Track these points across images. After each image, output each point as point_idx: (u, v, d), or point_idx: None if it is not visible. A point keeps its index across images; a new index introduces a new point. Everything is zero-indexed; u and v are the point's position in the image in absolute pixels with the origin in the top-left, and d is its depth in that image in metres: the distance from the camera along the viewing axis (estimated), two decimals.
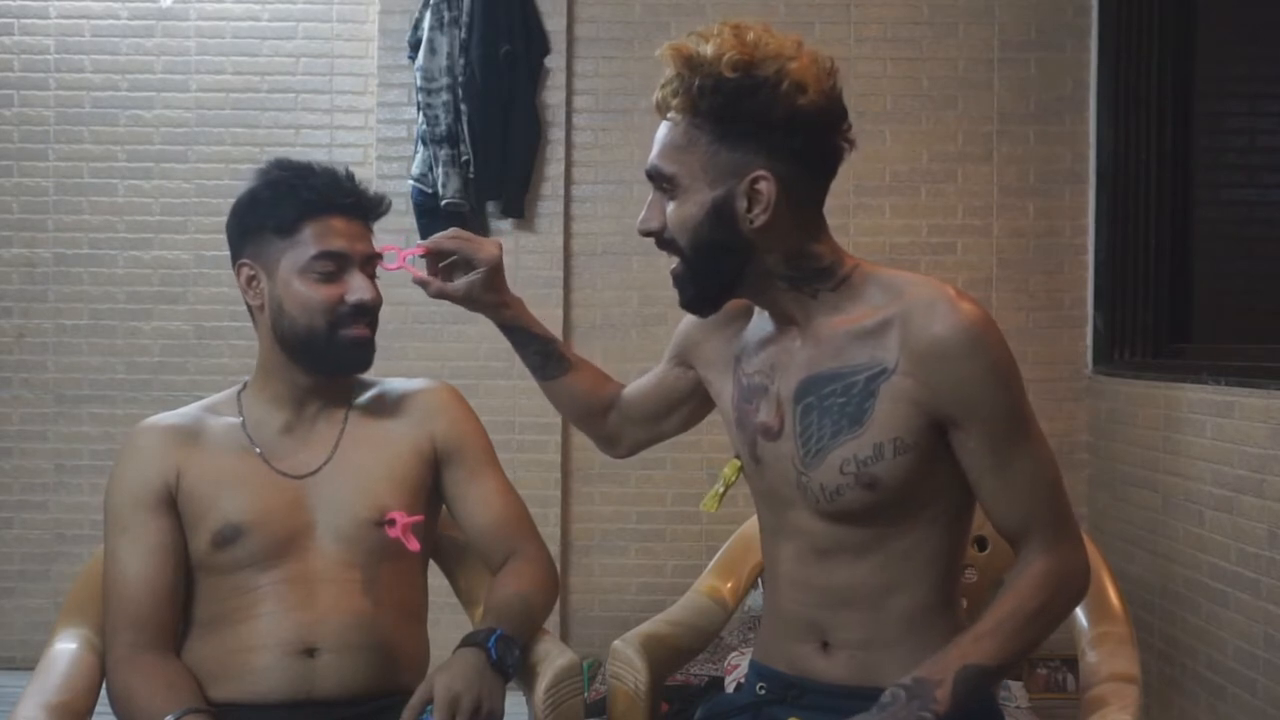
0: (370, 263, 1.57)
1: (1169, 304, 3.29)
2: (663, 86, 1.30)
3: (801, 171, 1.29)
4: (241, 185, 1.61)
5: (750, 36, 1.26)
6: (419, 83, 3.47)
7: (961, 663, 1.24)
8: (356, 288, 1.53)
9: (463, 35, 3.47)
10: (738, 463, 1.44)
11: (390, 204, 1.65)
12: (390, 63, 3.60)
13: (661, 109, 1.31)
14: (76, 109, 3.71)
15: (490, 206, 3.57)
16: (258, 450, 1.56)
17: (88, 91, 3.71)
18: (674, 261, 1.35)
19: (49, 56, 3.72)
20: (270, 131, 3.70)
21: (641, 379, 1.63)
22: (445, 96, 3.46)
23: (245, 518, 1.51)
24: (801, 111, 1.26)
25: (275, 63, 3.72)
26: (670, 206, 1.31)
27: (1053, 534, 1.30)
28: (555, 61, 3.60)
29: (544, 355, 1.62)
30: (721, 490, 1.46)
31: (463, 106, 3.46)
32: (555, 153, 3.60)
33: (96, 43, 3.72)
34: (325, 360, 1.56)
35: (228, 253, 1.59)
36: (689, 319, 1.51)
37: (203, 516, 1.52)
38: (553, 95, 3.60)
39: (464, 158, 3.46)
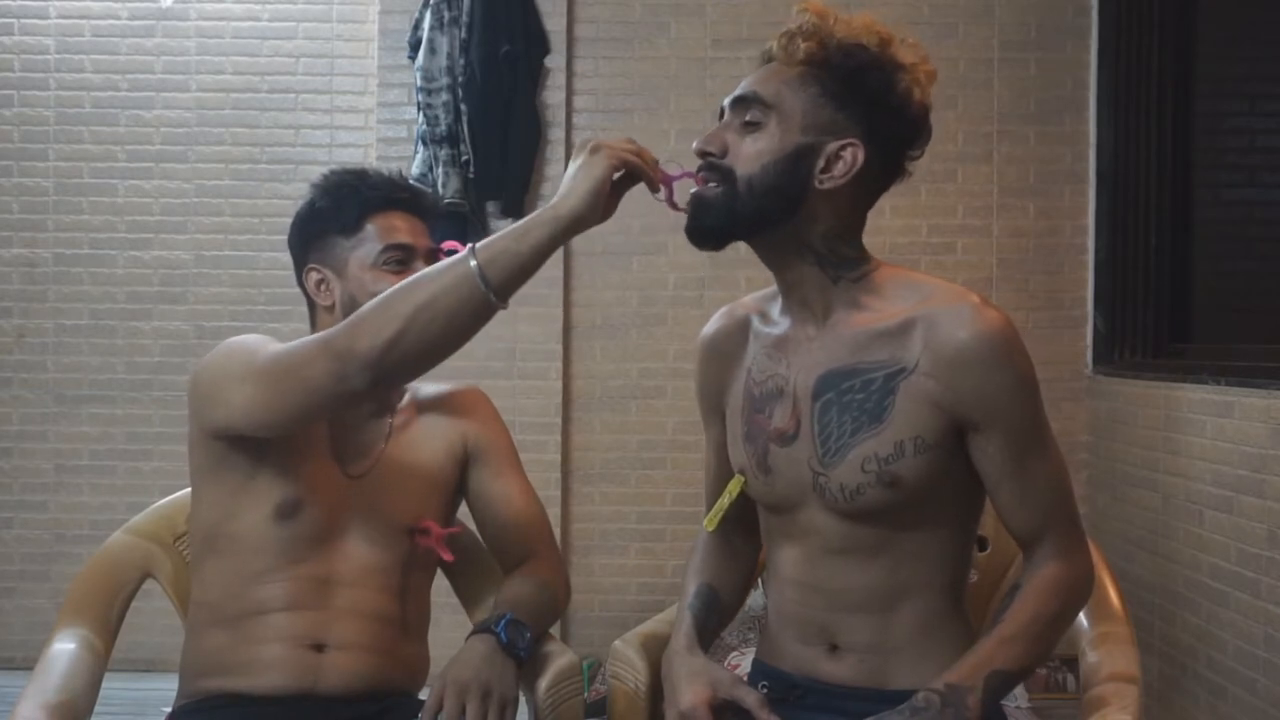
0: (433, 256, 1.57)
1: (1169, 304, 3.29)
2: (790, 32, 1.31)
3: (881, 162, 1.32)
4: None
5: (889, 31, 1.32)
6: (419, 83, 3.47)
7: (990, 668, 1.25)
8: None
9: (463, 35, 3.47)
10: (741, 479, 1.42)
11: (443, 204, 1.62)
12: (390, 63, 3.60)
13: (782, 50, 1.31)
14: (76, 109, 3.71)
15: (490, 206, 3.57)
16: (329, 440, 1.54)
17: (88, 91, 3.71)
18: (699, 186, 1.33)
19: (49, 56, 3.72)
20: (270, 131, 3.69)
21: (710, 467, 1.54)
22: (445, 96, 3.46)
23: (306, 496, 1.49)
24: (912, 108, 1.31)
25: (275, 63, 3.72)
26: (749, 138, 1.30)
27: (1066, 539, 1.32)
28: (555, 61, 3.60)
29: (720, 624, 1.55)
30: (727, 504, 1.45)
31: (463, 106, 3.46)
32: (555, 153, 3.60)
33: (96, 43, 3.72)
34: None
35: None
36: (697, 372, 1.49)
37: (277, 479, 1.49)
38: (553, 95, 3.60)
39: (464, 158, 3.46)
